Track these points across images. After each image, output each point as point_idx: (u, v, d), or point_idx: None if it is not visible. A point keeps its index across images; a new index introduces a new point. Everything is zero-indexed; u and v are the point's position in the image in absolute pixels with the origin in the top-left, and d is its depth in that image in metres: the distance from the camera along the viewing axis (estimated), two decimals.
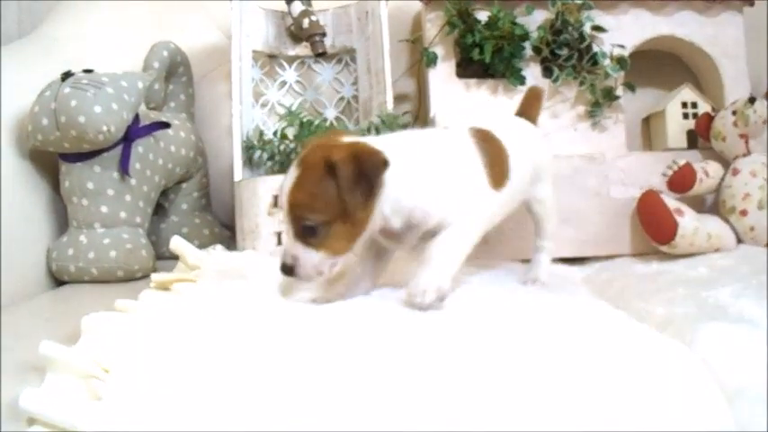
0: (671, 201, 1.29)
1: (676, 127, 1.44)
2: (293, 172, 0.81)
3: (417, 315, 0.82)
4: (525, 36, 1.37)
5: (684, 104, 1.45)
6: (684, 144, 1.45)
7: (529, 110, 1.18)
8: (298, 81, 1.52)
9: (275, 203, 1.28)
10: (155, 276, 1.10)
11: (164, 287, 1.08)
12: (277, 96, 1.50)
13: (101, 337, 0.78)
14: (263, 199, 1.29)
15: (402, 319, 0.82)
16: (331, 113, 1.51)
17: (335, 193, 0.78)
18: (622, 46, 1.39)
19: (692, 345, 0.80)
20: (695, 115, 1.44)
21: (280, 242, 1.28)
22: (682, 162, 1.30)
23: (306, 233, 0.81)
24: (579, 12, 1.39)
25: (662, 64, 1.54)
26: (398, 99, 1.51)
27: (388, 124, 1.37)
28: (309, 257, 0.82)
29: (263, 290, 0.98)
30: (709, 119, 1.40)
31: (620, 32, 1.42)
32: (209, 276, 1.09)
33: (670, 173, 1.30)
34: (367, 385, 0.67)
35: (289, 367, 0.71)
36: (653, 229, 1.28)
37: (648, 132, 1.52)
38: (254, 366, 0.71)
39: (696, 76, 1.54)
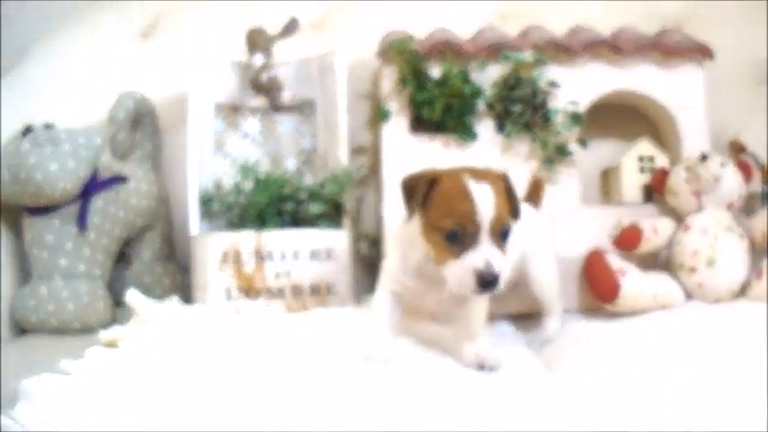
0: (616, 260, 1.32)
1: (632, 181, 1.46)
2: (483, 189, 0.92)
3: None
4: (477, 93, 1.41)
5: (641, 158, 1.47)
6: (640, 198, 1.46)
7: (532, 197, 1.29)
8: (260, 132, 1.58)
9: (225, 259, 1.35)
10: (102, 334, 1.19)
11: (111, 344, 1.16)
12: (239, 147, 1.56)
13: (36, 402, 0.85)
14: (214, 254, 1.35)
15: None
16: (291, 164, 1.56)
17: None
18: (576, 102, 1.42)
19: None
20: (652, 169, 1.46)
21: (230, 297, 1.34)
22: (626, 223, 1.33)
23: (503, 238, 0.93)
24: (534, 67, 1.42)
25: (624, 115, 1.56)
26: (357, 152, 1.56)
27: (341, 178, 1.42)
28: (503, 260, 0.92)
29: (206, 346, 1.07)
30: (664, 174, 1.42)
31: (578, 87, 1.45)
32: (155, 334, 1.17)
33: (615, 233, 1.33)
34: None
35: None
36: (596, 289, 1.30)
37: (607, 185, 1.54)
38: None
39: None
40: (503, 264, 0.91)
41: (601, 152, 1.54)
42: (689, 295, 1.38)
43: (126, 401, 0.86)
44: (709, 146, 1.47)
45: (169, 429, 0.78)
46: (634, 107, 1.54)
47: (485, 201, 0.91)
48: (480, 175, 0.94)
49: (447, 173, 0.95)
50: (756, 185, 1.45)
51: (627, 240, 1.32)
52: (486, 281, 0.89)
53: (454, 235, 0.90)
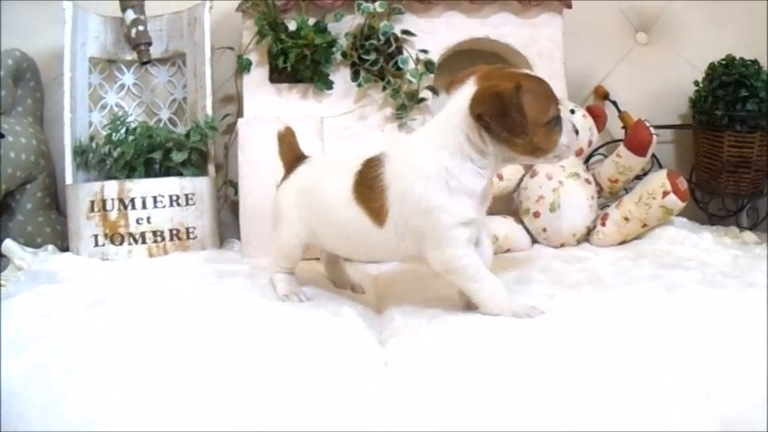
0: None
1: None
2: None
3: None
4: (332, 43, 1.51)
5: None
6: None
7: None
8: (136, 84, 1.70)
9: (92, 208, 1.48)
10: None
11: None
12: (116, 99, 1.68)
13: None
14: (83, 203, 1.48)
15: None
16: (165, 114, 1.68)
17: None
18: (426, 51, 1.52)
19: None
20: None
21: (97, 244, 1.47)
22: None
23: None
24: (389, 17, 1.52)
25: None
26: (225, 100, 1.68)
27: (204, 127, 1.55)
28: None
29: (69, 295, 1.15)
30: None
31: (434, 36, 1.55)
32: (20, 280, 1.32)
33: None
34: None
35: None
36: None
37: None
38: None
39: None
40: None
41: None
42: (534, 239, 1.49)
43: None
44: (566, 93, 1.56)
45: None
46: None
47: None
48: (503, 66, 1.04)
49: (510, 78, 0.94)
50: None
51: None
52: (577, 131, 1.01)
53: (557, 117, 0.97)
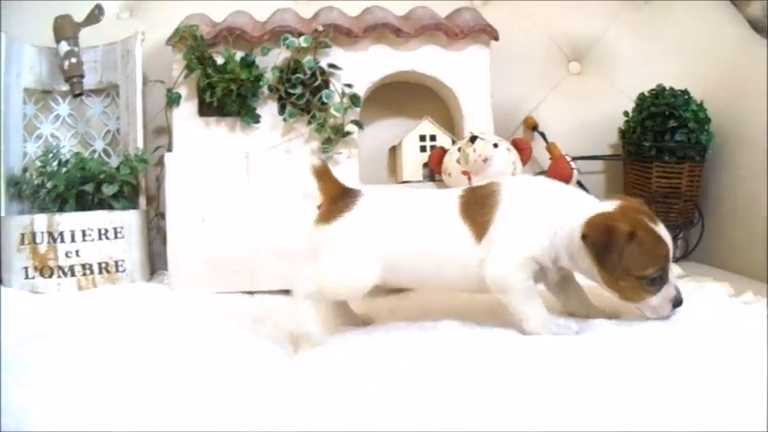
0: None
1: (413, 159, 1.60)
2: (661, 227, 1.05)
3: None
4: (258, 77, 1.55)
5: (423, 137, 1.61)
6: (420, 176, 1.60)
7: None
8: (71, 115, 1.74)
9: (22, 241, 1.52)
10: None
11: None
12: (51, 130, 1.73)
13: None
14: (15, 235, 1.53)
15: None
16: (99, 145, 1.73)
17: None
18: (351, 85, 1.56)
19: None
20: (434, 148, 1.60)
21: (27, 276, 1.52)
22: None
23: None
24: (316, 51, 1.56)
25: (419, 95, 1.70)
26: (158, 132, 1.72)
27: (134, 160, 1.59)
28: None
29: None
30: (440, 153, 1.56)
31: (361, 69, 1.59)
32: None
33: None
34: None
35: None
36: None
37: (393, 164, 1.69)
38: None
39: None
40: None
41: (399, 131, 1.68)
42: None
43: None
44: (492, 125, 1.60)
45: None
46: (428, 87, 1.68)
47: (669, 239, 1.05)
48: (648, 213, 1.06)
49: (632, 221, 1.03)
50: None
51: None
52: (680, 301, 1.07)
53: (655, 279, 1.03)
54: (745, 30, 1.84)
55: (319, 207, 1.19)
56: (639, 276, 1.02)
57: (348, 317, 1.24)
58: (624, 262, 1.01)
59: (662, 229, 1.04)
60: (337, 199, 1.17)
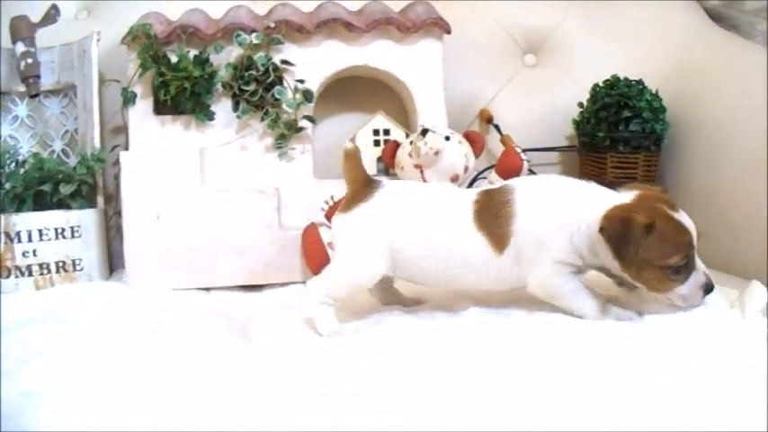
0: (328, 234, 1.48)
1: (367, 154, 1.61)
2: (683, 214, 1.06)
3: None
4: (212, 75, 1.57)
5: (376, 131, 1.63)
6: (374, 171, 1.62)
7: None
8: (30, 116, 1.76)
9: None
10: None
11: None
12: (9, 131, 1.75)
13: None
14: None
15: None
16: (58, 146, 1.75)
17: None
18: (302, 81, 1.58)
19: None
20: (387, 142, 1.62)
21: None
22: (339, 197, 1.49)
23: None
24: (269, 48, 1.58)
25: (375, 89, 1.72)
26: (116, 132, 1.73)
27: (90, 159, 1.61)
28: None
29: None
30: (393, 147, 1.58)
31: (314, 65, 1.61)
32: None
33: (326, 206, 1.50)
34: None
35: None
36: (309, 261, 1.48)
37: None
38: None
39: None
40: None
41: (355, 125, 1.69)
42: None
43: None
44: (445, 118, 1.62)
45: None
46: (381, 81, 1.69)
47: (692, 226, 1.05)
48: (667, 201, 1.07)
49: (651, 212, 1.03)
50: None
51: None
52: (712, 287, 1.07)
53: (680, 268, 1.04)
54: (703, 19, 1.85)
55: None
56: (663, 266, 1.03)
57: (394, 297, 1.28)
58: (645, 253, 1.01)
59: (683, 217, 1.05)
60: (359, 188, 1.18)
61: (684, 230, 1.03)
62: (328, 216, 1.49)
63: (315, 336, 1.15)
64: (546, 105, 1.78)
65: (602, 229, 1.04)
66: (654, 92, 1.66)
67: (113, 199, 1.71)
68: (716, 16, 1.88)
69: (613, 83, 1.67)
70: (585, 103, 1.70)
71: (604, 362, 0.94)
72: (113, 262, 1.67)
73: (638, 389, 0.86)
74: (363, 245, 1.14)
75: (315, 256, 1.46)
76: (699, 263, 1.06)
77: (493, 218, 1.10)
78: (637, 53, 1.79)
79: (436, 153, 1.49)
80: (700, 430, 0.78)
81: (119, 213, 1.71)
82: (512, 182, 1.15)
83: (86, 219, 1.59)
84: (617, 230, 1.02)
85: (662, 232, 1.02)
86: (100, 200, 1.64)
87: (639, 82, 1.67)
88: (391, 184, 1.20)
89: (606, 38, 1.82)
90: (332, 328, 1.13)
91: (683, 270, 1.04)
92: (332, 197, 1.49)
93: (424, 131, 1.51)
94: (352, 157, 1.20)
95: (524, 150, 1.51)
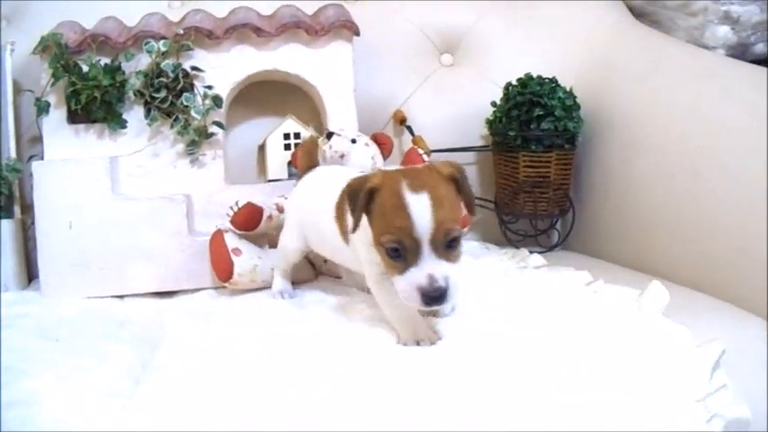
0: (234, 240, 1.51)
1: (278, 158, 1.65)
2: (421, 197, 0.93)
3: None
4: (123, 83, 1.60)
5: (287, 135, 1.66)
6: (286, 175, 1.65)
7: None
8: None
9: None
10: None
11: None
12: None
13: None
14: None
15: None
16: None
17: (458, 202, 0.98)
18: (211, 87, 1.61)
19: None
20: (297, 146, 1.65)
21: None
22: (243, 202, 1.52)
23: (451, 246, 0.94)
24: (179, 54, 1.61)
25: (287, 93, 1.75)
26: (34, 141, 1.76)
27: (7, 169, 1.64)
28: (452, 269, 0.94)
29: None
30: (302, 150, 1.61)
31: (224, 70, 1.64)
32: None
33: (232, 213, 1.52)
34: None
35: None
36: (215, 268, 1.51)
37: (261, 163, 1.74)
38: None
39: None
40: (451, 274, 0.93)
41: (268, 129, 1.73)
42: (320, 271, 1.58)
43: None
44: (356, 121, 1.65)
45: None
46: (294, 85, 1.72)
47: (422, 213, 0.91)
48: (421, 180, 0.95)
49: (387, 181, 0.97)
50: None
51: (244, 220, 1.50)
52: (432, 297, 0.92)
53: (395, 251, 0.93)
54: (625, 16, 1.88)
55: None
56: (379, 243, 0.96)
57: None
58: (372, 222, 0.98)
59: (414, 200, 0.93)
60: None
61: (403, 213, 0.92)
62: (234, 222, 1.51)
63: (222, 340, 1.21)
64: (462, 105, 1.81)
65: (343, 193, 1.10)
66: (567, 89, 1.69)
67: (31, 209, 1.74)
68: (639, 13, 1.91)
69: (526, 81, 1.70)
70: (498, 102, 1.73)
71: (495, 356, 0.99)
72: (32, 272, 1.70)
73: (509, 386, 0.90)
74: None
75: (219, 262, 1.48)
76: (431, 263, 0.93)
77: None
78: (555, 51, 1.82)
79: (341, 156, 1.53)
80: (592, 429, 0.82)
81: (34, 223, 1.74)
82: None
83: (2, 229, 1.62)
84: (350, 194, 1.01)
85: (381, 204, 0.96)
86: (17, 210, 1.67)
87: (552, 80, 1.70)
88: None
89: (525, 36, 1.85)
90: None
91: (401, 259, 0.93)
92: (236, 203, 1.52)
93: (329, 134, 1.55)
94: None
95: (439, 151, 1.54)
